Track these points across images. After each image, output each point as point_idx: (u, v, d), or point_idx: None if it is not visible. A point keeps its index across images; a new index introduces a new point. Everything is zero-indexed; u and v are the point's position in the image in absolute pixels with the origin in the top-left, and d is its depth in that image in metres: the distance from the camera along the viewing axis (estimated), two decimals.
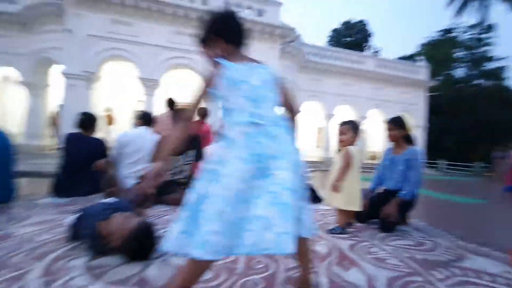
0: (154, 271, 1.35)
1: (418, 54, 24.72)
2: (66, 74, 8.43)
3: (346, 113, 15.70)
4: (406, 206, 2.40)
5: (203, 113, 4.67)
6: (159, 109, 6.01)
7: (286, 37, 10.53)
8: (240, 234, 0.90)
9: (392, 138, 2.52)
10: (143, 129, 3.07)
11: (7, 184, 2.54)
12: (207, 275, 1.33)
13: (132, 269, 1.36)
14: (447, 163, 16.38)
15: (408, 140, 2.55)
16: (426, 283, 1.41)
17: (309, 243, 1.17)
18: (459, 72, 25.71)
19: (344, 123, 2.25)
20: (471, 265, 1.69)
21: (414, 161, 2.41)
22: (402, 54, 27.99)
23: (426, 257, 1.77)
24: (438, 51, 24.27)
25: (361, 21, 26.93)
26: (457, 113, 20.46)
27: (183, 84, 12.51)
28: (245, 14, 9.92)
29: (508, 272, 1.61)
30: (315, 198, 3.29)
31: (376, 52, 25.54)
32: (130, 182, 2.83)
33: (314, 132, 17.18)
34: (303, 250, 1.13)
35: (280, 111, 1.12)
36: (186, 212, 0.94)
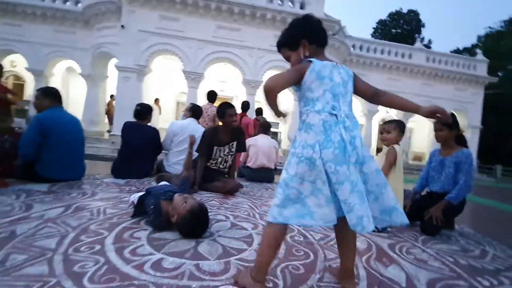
0: (205, 248, 1.51)
1: (476, 47, 22.32)
2: (119, 67, 9.20)
3: (390, 110, 14.87)
4: (453, 210, 2.30)
5: (245, 106, 4.82)
6: (202, 101, 6.31)
7: (329, 30, 10.25)
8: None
9: (440, 138, 2.41)
10: (191, 121, 3.30)
11: (80, 164, 2.96)
12: (251, 256, 1.46)
13: (187, 244, 1.54)
14: (503, 169, 14.78)
15: (459, 141, 2.43)
16: None
17: (355, 234, 1.23)
18: None
19: (389, 122, 2.22)
20: None
21: (464, 164, 2.29)
22: (457, 46, 25.44)
23: (472, 264, 1.71)
24: (501, 44, 21.65)
25: (411, 11, 24.98)
26: None
27: (223, 78, 12.90)
28: (286, 6, 9.87)
29: None
30: None
31: (427, 45, 23.62)
32: (177, 168, 3.10)
33: None
34: (348, 240, 1.24)
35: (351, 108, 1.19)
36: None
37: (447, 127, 2.37)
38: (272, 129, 10.72)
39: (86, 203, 2.17)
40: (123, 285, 1.11)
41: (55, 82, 12.03)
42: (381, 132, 2.24)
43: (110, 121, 10.42)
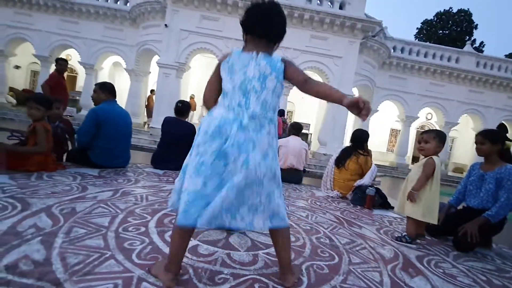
0: (236, 239, 1.64)
1: None
2: (160, 64, 9.74)
3: (434, 116, 14.08)
4: (491, 228, 2.20)
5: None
6: None
7: (369, 31, 9.93)
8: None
9: (481, 152, 2.31)
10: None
11: (127, 153, 3.27)
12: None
13: (219, 235, 1.68)
14: None
15: (504, 156, 2.30)
16: None
17: (283, 233, 1.21)
18: None
19: (428, 131, 2.18)
20: None
21: (507, 181, 2.17)
22: (510, 51, 23.12)
23: (506, 284, 1.65)
24: None
25: (462, 11, 23.18)
26: None
27: None
28: (325, 7, 9.72)
29: None
30: (384, 204, 3.23)
31: (479, 48, 21.79)
32: None
33: (387, 134, 15.94)
34: (276, 238, 1.22)
35: (271, 108, 1.14)
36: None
37: (489, 141, 2.26)
38: (303, 131, 10.70)
39: (131, 189, 2.42)
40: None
41: (103, 75, 13.08)
42: (419, 141, 2.19)
43: (149, 114, 11.09)
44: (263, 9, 1.16)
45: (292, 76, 1.14)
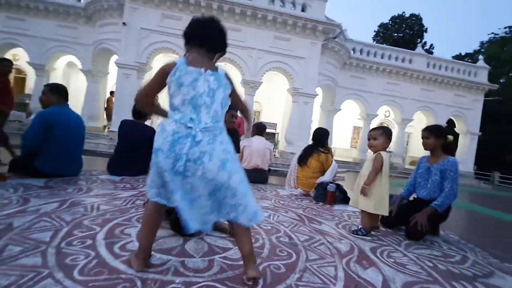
0: (192, 245, 1.59)
1: (479, 53, 22.40)
2: (120, 64, 9.26)
3: (392, 114, 14.98)
4: (438, 217, 2.37)
5: (234, 107, 4.89)
6: None
7: (330, 33, 10.31)
8: None
9: (427, 146, 2.49)
10: None
11: (78, 160, 3.04)
12: (235, 254, 1.53)
13: (175, 242, 1.61)
14: (500, 176, 14.86)
15: (446, 149, 2.50)
16: None
17: (243, 230, 1.24)
18: None
19: (376, 128, 2.29)
20: (500, 283, 1.67)
21: (450, 172, 2.36)
22: (459, 52, 25.51)
23: (451, 269, 1.79)
24: (504, 51, 21.73)
25: (414, 15, 25.05)
26: None
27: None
28: (288, 8, 9.93)
29: None
30: (345, 199, 3.35)
31: (429, 50, 23.70)
32: None
33: (350, 132, 16.69)
34: (237, 236, 1.28)
35: (220, 118, 1.23)
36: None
37: (433, 136, 2.45)
38: (270, 130, 10.82)
39: (81, 199, 2.24)
40: (111, 278, 1.18)
41: (56, 76, 12.09)
42: (368, 138, 2.30)
43: (109, 117, 10.48)
44: (207, 22, 1.26)
45: (235, 98, 1.35)
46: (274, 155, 9.96)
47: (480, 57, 15.51)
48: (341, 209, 3.08)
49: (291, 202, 3.16)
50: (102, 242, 1.51)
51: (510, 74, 22.47)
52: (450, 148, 2.54)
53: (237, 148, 3.27)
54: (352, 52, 12.74)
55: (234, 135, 3.13)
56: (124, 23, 9.02)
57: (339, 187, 3.41)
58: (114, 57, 10.09)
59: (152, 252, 1.45)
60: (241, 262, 1.44)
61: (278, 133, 11.01)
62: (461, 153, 14.21)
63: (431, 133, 2.48)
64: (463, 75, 14.14)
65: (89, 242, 1.50)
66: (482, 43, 25.01)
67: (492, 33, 24.73)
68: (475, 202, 6.60)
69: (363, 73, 13.19)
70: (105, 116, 11.20)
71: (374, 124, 14.22)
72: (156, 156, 1.15)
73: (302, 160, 3.65)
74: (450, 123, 14.64)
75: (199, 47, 1.24)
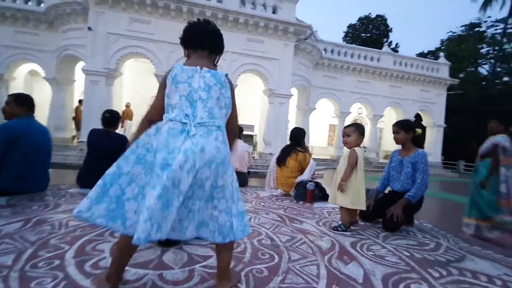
0: (170, 256, 1.52)
1: (440, 50, 23.90)
2: (86, 71, 8.83)
3: (365, 111, 15.49)
4: (412, 207, 2.47)
5: None
6: None
7: (301, 34, 10.52)
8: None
9: (398, 140, 2.59)
10: None
11: (45, 174, 2.84)
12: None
13: (152, 254, 1.54)
14: (465, 164, 15.91)
15: (415, 142, 2.61)
16: (421, 280, 1.51)
17: (227, 246, 1.18)
18: (485, 69, 24.69)
19: (349, 126, 2.35)
20: (470, 266, 1.76)
21: (421, 164, 2.47)
22: (422, 50, 27.05)
23: (426, 257, 1.86)
24: (461, 48, 23.34)
25: (379, 16, 26.24)
26: (481, 113, 19.69)
27: None
28: (259, 11, 10.00)
29: (507, 275, 1.67)
30: (324, 196, 3.40)
31: (395, 48, 24.89)
32: None
33: (326, 130, 17.11)
34: (218, 250, 1.21)
35: (217, 116, 1.16)
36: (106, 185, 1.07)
37: (403, 130, 2.55)
38: (248, 132, 10.81)
39: (47, 216, 2.09)
40: None
41: (16, 86, 11.30)
42: (342, 135, 2.35)
43: (78, 127, 9.96)
44: (202, 25, 1.26)
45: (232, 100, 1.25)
46: (253, 157, 9.96)
47: (441, 54, 16.57)
48: (321, 207, 3.12)
49: (272, 203, 3.15)
50: (71, 261, 1.41)
51: (468, 69, 24.16)
52: (419, 141, 2.66)
53: None
54: (323, 52, 13.09)
55: None
56: (89, 28, 8.63)
57: (318, 185, 3.46)
58: (81, 64, 9.62)
59: (127, 268, 1.37)
60: None
61: (256, 135, 11.03)
62: (429, 145, 15.04)
63: (400, 127, 2.58)
64: (426, 71, 15.00)
65: (57, 262, 1.39)
66: (442, 41, 26.68)
67: (451, 31, 26.52)
68: (445, 190, 6.99)
69: (335, 72, 13.58)
70: (73, 126, 10.63)
71: (348, 121, 14.67)
72: (153, 156, 1.07)
73: (281, 160, 3.67)
74: (418, 117, 15.46)
75: (196, 50, 1.25)
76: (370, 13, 27.05)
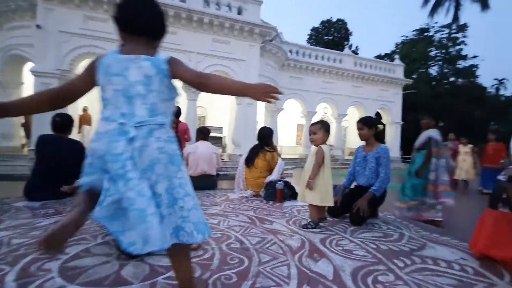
0: (130, 270, 1.39)
1: (395, 53, 25.64)
2: (36, 72, 8.07)
3: (330, 110, 16.02)
4: (376, 201, 2.55)
5: (177, 112, 4.67)
6: None
7: (266, 36, 10.62)
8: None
9: (362, 136, 2.67)
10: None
11: None
12: None
13: (109, 269, 1.39)
14: None
15: (378, 138, 2.71)
16: (387, 271, 1.54)
17: (184, 248, 1.07)
18: (434, 70, 26.97)
19: (314, 124, 2.37)
20: (431, 253, 1.85)
21: (383, 158, 2.57)
22: (380, 52, 28.83)
23: (391, 247, 1.92)
24: (414, 50, 25.27)
25: (340, 20, 27.48)
26: (432, 110, 21.47)
27: None
28: (224, 11, 9.92)
29: (463, 259, 1.77)
30: (293, 195, 3.41)
31: (355, 51, 26.20)
32: None
33: (294, 130, 17.48)
34: (174, 255, 1.08)
35: (160, 112, 1.01)
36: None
37: (366, 126, 2.64)
38: (216, 134, 10.65)
39: None
40: None
41: None
42: (309, 133, 2.37)
43: (27, 134, 9.07)
44: (141, 3, 1.06)
45: (182, 75, 1.03)
46: (223, 159, 9.81)
47: (396, 56, 17.76)
48: (290, 205, 3.13)
49: (242, 204, 3.09)
50: (12, 285, 1.23)
51: (420, 70, 26.22)
52: (381, 136, 2.77)
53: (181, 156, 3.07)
54: (289, 53, 13.35)
55: None
56: (38, 26, 7.89)
57: (287, 184, 3.47)
58: (29, 65, 8.77)
59: (79, 287, 1.22)
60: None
61: (225, 137, 10.89)
62: (389, 141, 15.99)
63: (364, 124, 2.67)
64: (384, 72, 15.98)
65: None
66: (397, 44, 28.67)
67: (404, 35, 28.58)
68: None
69: (300, 73, 13.92)
70: (23, 133, 9.66)
71: (315, 120, 15.10)
72: (89, 161, 0.98)
73: (249, 161, 3.62)
74: (378, 115, 16.40)
75: (134, 35, 1.05)
76: (331, 17, 28.21)
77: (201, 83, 1.03)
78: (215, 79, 1.04)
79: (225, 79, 1.05)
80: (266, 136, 3.71)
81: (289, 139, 16.92)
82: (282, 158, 3.78)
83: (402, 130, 16.65)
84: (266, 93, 1.01)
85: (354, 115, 15.82)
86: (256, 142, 3.77)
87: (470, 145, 6.58)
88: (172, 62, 1.03)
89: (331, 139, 16.00)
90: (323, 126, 2.33)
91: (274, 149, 3.72)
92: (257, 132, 3.86)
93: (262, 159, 3.57)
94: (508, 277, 1.53)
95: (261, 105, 12.33)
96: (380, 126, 2.79)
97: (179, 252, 1.05)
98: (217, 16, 9.49)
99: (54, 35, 8.03)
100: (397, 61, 16.73)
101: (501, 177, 1.68)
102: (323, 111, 17.26)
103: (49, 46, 8.01)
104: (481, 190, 6.03)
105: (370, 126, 2.67)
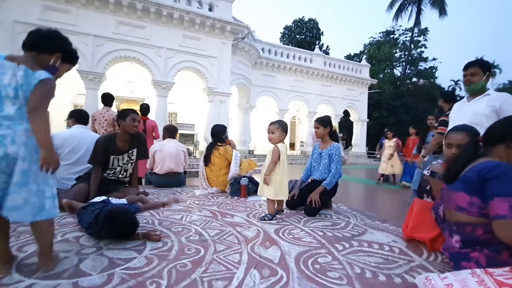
0: (88, 263, 1.47)
1: (363, 53, 26.87)
2: None
3: (301, 108, 16.45)
4: (328, 193, 2.81)
5: (145, 109, 4.66)
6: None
7: (238, 33, 10.69)
8: None
9: (317, 135, 2.91)
10: (77, 129, 3.02)
11: None
12: (139, 263, 1.50)
13: (67, 264, 1.46)
14: None
15: (332, 137, 2.96)
16: (327, 253, 1.76)
17: (39, 226, 1.33)
18: (398, 71, 28.65)
19: (273, 123, 2.54)
20: (368, 238, 2.11)
21: (335, 155, 2.82)
22: (349, 52, 29.99)
23: (336, 234, 2.15)
24: (380, 51, 26.63)
25: (311, 20, 28.15)
26: (395, 109, 22.87)
27: (131, 78, 11.98)
28: (194, 7, 9.84)
29: (394, 241, 2.05)
30: (257, 190, 3.59)
31: (326, 50, 27.05)
32: (67, 184, 2.80)
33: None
34: (33, 230, 1.37)
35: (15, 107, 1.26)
36: None
37: (322, 126, 2.87)
38: (188, 131, 10.58)
39: None
40: None
41: None
42: (268, 132, 2.54)
43: None
44: (35, 30, 1.43)
45: (30, 97, 1.26)
46: (194, 156, 9.82)
47: (364, 57, 18.66)
48: (254, 200, 3.30)
49: (207, 200, 3.21)
50: None
51: (386, 71, 27.72)
52: (335, 135, 3.02)
53: (145, 154, 3.12)
54: (261, 52, 13.53)
55: (139, 140, 2.97)
56: None
57: (251, 179, 3.64)
58: None
59: (36, 281, 1.30)
60: (146, 269, 1.44)
61: (197, 134, 10.86)
62: (356, 138, 16.85)
63: (320, 123, 2.91)
64: (351, 72, 16.74)
65: None
66: (365, 45, 30.02)
67: (371, 37, 29.97)
68: (365, 176, 7.98)
69: (272, 71, 14.19)
70: None
71: (287, 118, 15.49)
72: None
73: (206, 159, 3.71)
74: (346, 113, 17.18)
75: (24, 49, 1.39)
76: (303, 16, 28.81)
77: (29, 114, 1.26)
78: (36, 122, 1.25)
79: (44, 129, 1.26)
80: (218, 132, 3.77)
81: (263, 137, 17.19)
82: (254, 155, 3.93)
83: (368, 127, 17.58)
84: (47, 163, 1.27)
85: (324, 113, 16.41)
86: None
87: (394, 139, 6.64)
88: (41, 83, 1.27)
89: (303, 136, 16.51)
90: (281, 125, 2.51)
91: (227, 143, 3.79)
92: (230, 130, 3.95)
93: (217, 155, 3.65)
94: (426, 255, 1.82)
95: (233, 103, 12.43)
96: (335, 125, 3.05)
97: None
98: (188, 11, 9.40)
99: (8, 26, 7.50)
100: (364, 61, 17.59)
101: (425, 172, 1.96)
102: (295, 109, 17.76)
103: (2, 37, 7.47)
104: (402, 184, 6.02)
105: (325, 126, 2.91)
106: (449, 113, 2.60)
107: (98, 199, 2.25)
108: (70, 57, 1.52)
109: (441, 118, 2.86)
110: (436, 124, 3.46)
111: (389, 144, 6.70)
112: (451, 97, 3.17)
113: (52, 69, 1.42)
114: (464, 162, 1.45)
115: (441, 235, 1.81)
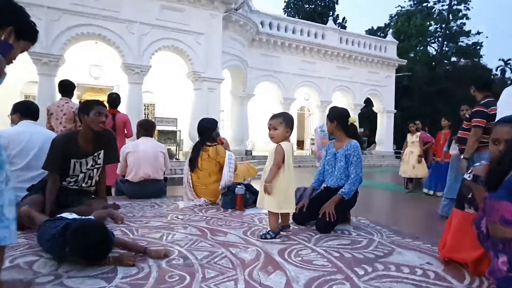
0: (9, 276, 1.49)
1: (389, 26, 26.88)
2: None
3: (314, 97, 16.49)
4: (345, 204, 2.82)
5: (114, 100, 4.64)
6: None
7: (231, 3, 10.69)
8: None
9: (329, 131, 2.92)
10: (26, 125, 3.02)
11: None
12: None
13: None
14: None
15: (348, 133, 2.97)
16: (345, 280, 1.77)
17: None
18: (434, 48, 28.69)
19: (275, 116, 2.55)
20: (396, 259, 2.13)
21: (353, 157, 2.83)
22: (371, 26, 30.00)
23: (355, 255, 2.17)
24: (410, 24, 26.66)
25: None
26: (430, 97, 22.93)
27: (97, 61, 12.00)
28: None
29: (428, 264, 2.07)
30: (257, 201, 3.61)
31: (342, 23, 27.07)
32: (18, 195, 2.81)
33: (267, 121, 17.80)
34: None
35: None
36: None
37: (328, 119, 2.89)
38: (169, 127, 10.60)
39: None
40: None
41: None
42: (268, 128, 2.55)
43: None
44: None
45: None
46: (177, 159, 9.84)
47: (390, 31, 18.70)
48: (252, 213, 3.32)
49: (193, 215, 3.22)
50: None
51: (418, 48, 27.79)
52: (353, 131, 3.02)
53: (116, 157, 3.12)
54: (260, 26, 13.54)
55: (107, 139, 2.97)
56: None
57: (249, 188, 3.65)
58: None
59: None
60: None
61: (180, 130, 10.87)
62: (380, 133, 16.91)
63: (327, 117, 2.92)
64: (374, 50, 16.78)
65: None
66: (391, 16, 30.08)
67: (399, 5, 30.03)
68: (393, 181, 8.03)
69: (275, 50, 14.19)
70: None
71: (294, 109, 15.51)
72: None
73: (191, 163, 3.70)
74: (368, 102, 17.23)
75: None
76: None
77: None
78: None
79: None
80: (207, 129, 3.77)
81: (263, 132, 17.21)
82: (253, 156, 3.94)
83: (395, 119, 17.64)
84: None
85: (340, 103, 16.47)
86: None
87: (419, 133, 6.35)
88: None
89: (314, 133, 16.54)
90: (285, 120, 2.51)
91: (218, 141, 3.79)
92: (221, 124, 3.94)
93: (206, 158, 3.63)
94: (468, 280, 1.84)
95: (226, 90, 12.44)
96: (353, 118, 3.05)
97: None
98: None
99: None
100: (390, 37, 17.63)
101: (466, 176, 1.98)
102: (304, 98, 17.79)
103: None
104: (426, 192, 5.82)
105: (332, 120, 2.91)
106: (483, 102, 2.62)
107: (67, 215, 2.22)
108: (27, 32, 1.43)
109: (475, 109, 2.89)
110: (467, 116, 3.47)
111: (412, 140, 6.40)
112: (485, 85, 3.19)
113: (3, 47, 1.34)
114: (510, 163, 1.46)
115: (487, 255, 1.83)
